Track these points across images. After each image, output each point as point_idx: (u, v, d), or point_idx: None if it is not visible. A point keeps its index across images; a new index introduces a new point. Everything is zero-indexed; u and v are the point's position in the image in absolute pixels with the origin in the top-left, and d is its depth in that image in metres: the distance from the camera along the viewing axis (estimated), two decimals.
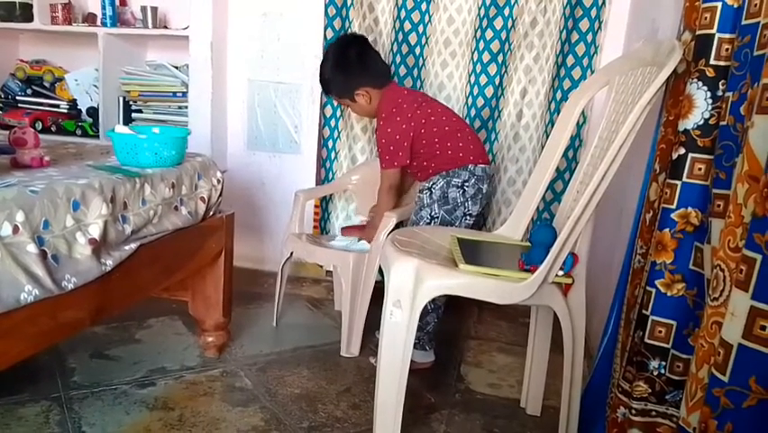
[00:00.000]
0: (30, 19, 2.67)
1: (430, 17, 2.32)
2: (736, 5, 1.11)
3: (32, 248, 1.09)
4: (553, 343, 1.61)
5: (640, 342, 1.24)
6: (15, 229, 1.07)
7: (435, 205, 1.85)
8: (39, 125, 2.70)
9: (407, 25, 2.34)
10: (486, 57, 2.29)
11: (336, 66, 1.94)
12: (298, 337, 2.08)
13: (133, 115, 2.70)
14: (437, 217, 1.84)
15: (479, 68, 2.31)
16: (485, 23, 2.27)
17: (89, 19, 2.73)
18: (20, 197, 1.12)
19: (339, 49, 1.97)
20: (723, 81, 1.12)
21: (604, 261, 1.91)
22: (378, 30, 2.37)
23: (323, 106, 2.50)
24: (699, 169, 1.14)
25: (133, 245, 1.38)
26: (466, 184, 1.85)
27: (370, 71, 1.95)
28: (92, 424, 1.48)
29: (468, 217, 1.87)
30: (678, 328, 1.18)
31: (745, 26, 1.05)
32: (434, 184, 1.87)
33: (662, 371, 1.21)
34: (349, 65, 1.93)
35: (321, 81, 2.01)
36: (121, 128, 1.63)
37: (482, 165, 1.89)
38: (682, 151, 1.16)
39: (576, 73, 2.28)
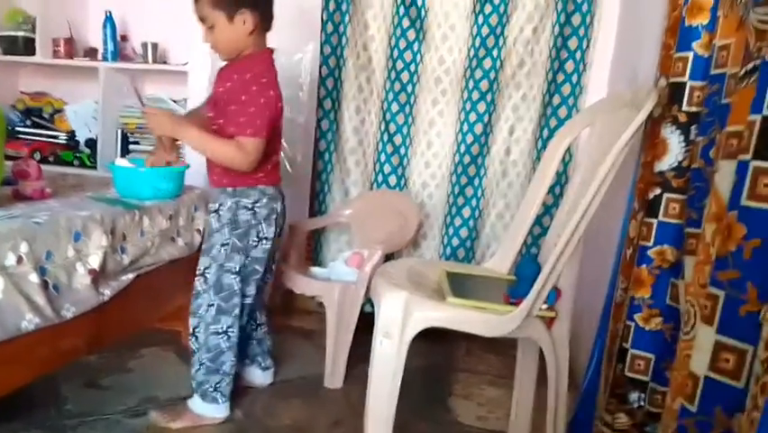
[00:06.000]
0: (32, 52, 2.74)
1: (422, 57, 2.41)
2: (706, 55, 1.19)
3: (34, 278, 1.13)
4: (540, 376, 1.64)
5: (621, 375, 1.28)
6: (19, 259, 1.11)
7: (226, 229, 1.62)
8: (37, 156, 2.75)
9: (400, 64, 2.42)
10: (475, 95, 2.37)
11: None
12: (290, 368, 2.10)
13: (131, 146, 2.75)
14: (227, 244, 1.62)
15: (468, 105, 2.38)
16: (474, 63, 2.35)
17: (90, 53, 2.80)
18: (24, 228, 1.16)
19: None
20: (695, 126, 1.19)
21: (590, 295, 1.95)
22: (371, 68, 2.45)
23: (317, 141, 2.57)
24: (674, 208, 1.21)
25: (131, 275, 1.42)
26: (257, 205, 1.65)
27: (263, 2, 1.61)
28: None
29: (264, 242, 1.67)
30: (656, 361, 1.23)
31: (713, 75, 1.13)
32: (221, 206, 1.63)
33: (642, 403, 1.25)
34: None
35: None
36: (120, 161, 1.69)
37: (272, 185, 1.71)
38: (658, 191, 1.23)
39: (562, 112, 2.37)
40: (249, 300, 1.68)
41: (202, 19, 1.58)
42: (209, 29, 1.58)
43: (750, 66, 0.87)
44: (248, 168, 1.57)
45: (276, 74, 1.64)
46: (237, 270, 1.61)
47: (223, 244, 1.62)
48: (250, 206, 1.63)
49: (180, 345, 1.89)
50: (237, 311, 1.63)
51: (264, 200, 1.65)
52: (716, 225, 0.91)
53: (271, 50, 1.67)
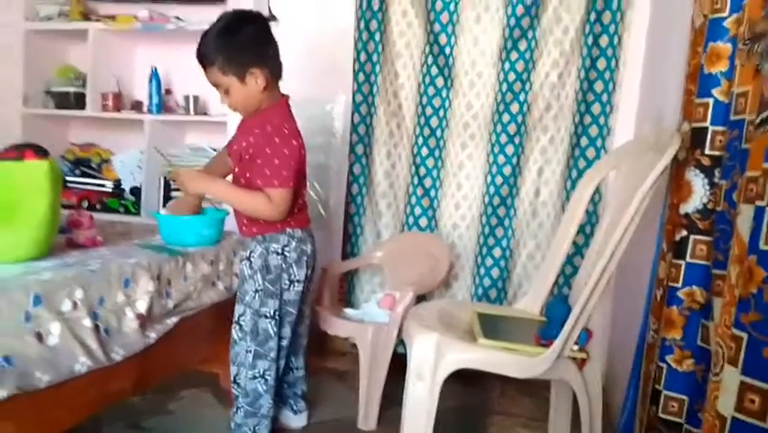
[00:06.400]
0: (83, 106, 2.92)
1: (450, 102, 2.48)
2: (726, 101, 1.23)
3: (87, 322, 1.21)
4: (575, 417, 1.64)
5: (655, 416, 1.28)
6: (74, 305, 1.19)
7: (258, 276, 1.67)
8: (85, 203, 2.90)
9: (429, 110, 2.50)
10: (503, 138, 2.43)
11: (227, 33, 1.58)
12: (324, 410, 2.12)
13: (173, 194, 2.87)
14: (261, 290, 1.67)
15: (497, 149, 2.44)
16: (502, 107, 2.42)
17: (136, 106, 2.97)
18: (79, 275, 1.24)
19: (233, 19, 1.62)
20: (718, 169, 1.22)
21: (624, 336, 1.95)
22: (401, 114, 2.53)
23: (349, 185, 2.65)
24: (701, 250, 1.22)
25: (175, 319, 1.49)
26: (286, 249, 1.69)
27: (268, 53, 1.63)
28: None
29: (296, 284, 1.71)
30: (690, 403, 1.23)
31: (733, 121, 1.16)
32: (252, 253, 1.69)
33: None
34: (244, 37, 1.59)
35: (201, 52, 1.61)
36: (165, 210, 1.78)
37: (300, 228, 1.73)
38: (685, 233, 1.25)
39: (590, 153, 2.40)
40: (285, 342, 1.73)
41: (215, 85, 1.63)
42: (225, 93, 1.63)
43: (765, 114, 0.91)
44: (278, 218, 1.62)
45: (294, 121, 1.69)
46: (272, 314, 1.66)
47: (256, 291, 1.66)
48: (280, 250, 1.68)
49: (218, 386, 1.94)
50: (273, 354, 1.67)
51: (293, 243, 1.69)
52: (739, 268, 0.93)
53: (287, 97, 1.71)
